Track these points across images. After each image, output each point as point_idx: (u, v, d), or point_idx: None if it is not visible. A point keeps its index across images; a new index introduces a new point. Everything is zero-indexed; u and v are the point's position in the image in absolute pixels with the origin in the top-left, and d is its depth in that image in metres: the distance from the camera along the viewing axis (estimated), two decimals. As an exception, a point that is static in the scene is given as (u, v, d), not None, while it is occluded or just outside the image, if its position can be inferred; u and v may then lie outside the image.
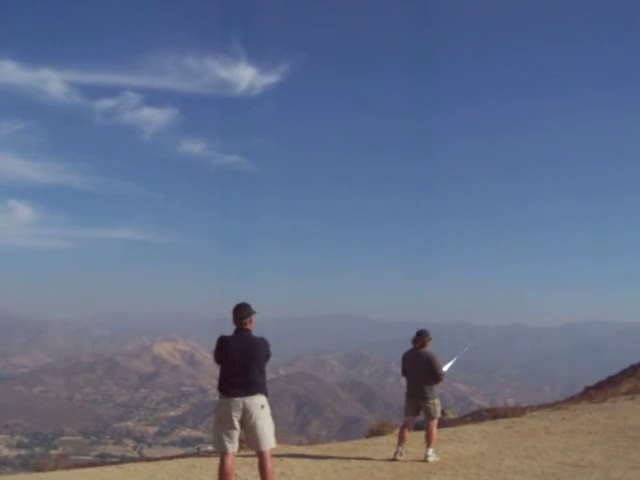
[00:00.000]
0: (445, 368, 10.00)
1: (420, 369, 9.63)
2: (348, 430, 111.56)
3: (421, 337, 9.82)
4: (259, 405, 6.75)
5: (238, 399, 6.69)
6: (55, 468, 11.53)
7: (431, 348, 9.87)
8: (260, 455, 6.77)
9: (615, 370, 25.56)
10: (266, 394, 6.92)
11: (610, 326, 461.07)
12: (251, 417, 6.68)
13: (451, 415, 24.39)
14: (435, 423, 9.66)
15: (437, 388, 9.78)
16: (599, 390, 19.93)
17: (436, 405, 9.67)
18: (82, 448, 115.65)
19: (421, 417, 10.13)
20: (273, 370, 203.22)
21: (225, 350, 6.89)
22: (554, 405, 17.86)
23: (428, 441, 9.57)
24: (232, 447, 6.74)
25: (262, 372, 6.94)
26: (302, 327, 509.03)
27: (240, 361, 6.79)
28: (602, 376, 25.09)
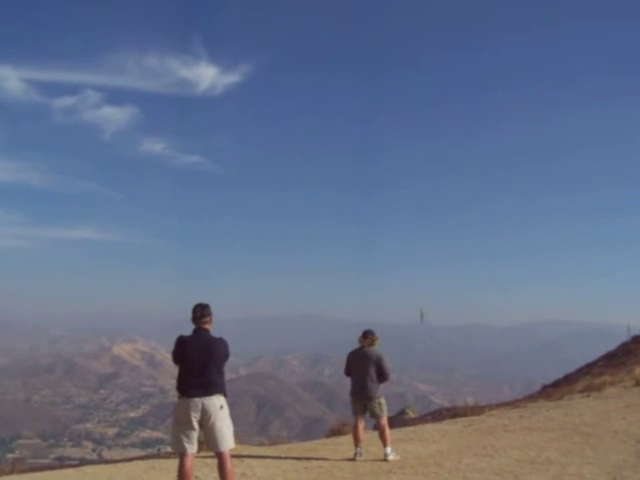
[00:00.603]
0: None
1: (368, 368, 9.62)
2: (309, 430, 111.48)
3: (370, 336, 9.85)
4: (218, 405, 6.72)
5: (197, 399, 6.66)
6: (11, 472, 11.30)
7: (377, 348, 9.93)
8: (219, 456, 6.73)
9: (572, 368, 26.00)
10: (225, 394, 6.89)
11: (566, 325, 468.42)
12: (210, 418, 6.65)
13: (411, 414, 24.60)
14: (385, 421, 9.67)
15: (383, 387, 9.83)
16: (556, 388, 20.24)
17: (382, 404, 9.69)
18: (40, 451, 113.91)
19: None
20: (233, 370, 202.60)
21: (184, 350, 6.86)
22: (512, 403, 18.09)
23: (384, 440, 9.60)
24: (191, 448, 6.70)
25: (221, 372, 6.91)
26: (263, 327, 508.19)
27: (199, 361, 6.76)
28: (559, 374, 25.50)
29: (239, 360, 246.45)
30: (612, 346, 27.72)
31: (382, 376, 9.66)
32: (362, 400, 9.68)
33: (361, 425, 9.73)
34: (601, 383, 17.15)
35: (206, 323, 6.97)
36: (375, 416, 9.67)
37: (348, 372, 10.01)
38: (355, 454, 9.64)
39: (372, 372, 9.60)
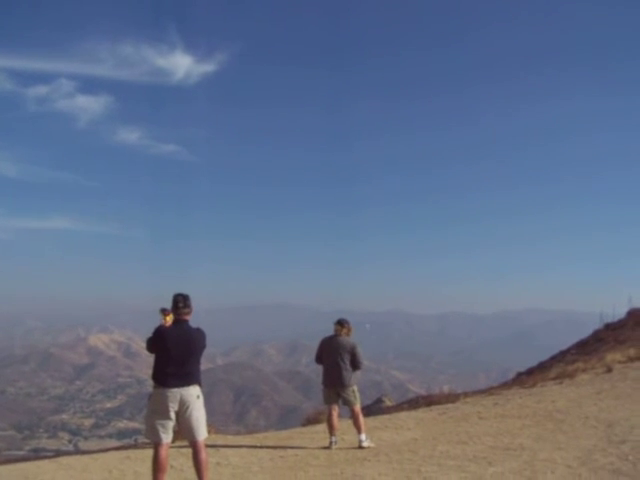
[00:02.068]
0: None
1: (342, 357, 9.65)
2: (286, 419, 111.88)
3: (347, 325, 9.89)
4: (195, 396, 6.77)
5: (175, 390, 6.68)
6: (-14, 463, 11.28)
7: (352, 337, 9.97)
8: (194, 445, 6.77)
9: (546, 356, 26.26)
10: (200, 384, 6.93)
11: (541, 314, 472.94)
12: (188, 408, 6.68)
13: (388, 402, 24.74)
14: (359, 409, 9.74)
15: (355, 375, 9.87)
16: (530, 376, 20.44)
17: (355, 392, 9.73)
18: (15, 443, 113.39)
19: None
20: (210, 360, 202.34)
21: (164, 341, 6.85)
22: (487, 391, 18.24)
23: (358, 428, 9.68)
24: (166, 437, 6.73)
25: (198, 363, 6.95)
26: (240, 317, 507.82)
27: (179, 352, 6.77)
28: (534, 362, 25.75)
29: (216, 350, 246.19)
30: (585, 334, 28.01)
31: (355, 365, 9.71)
32: (336, 388, 9.73)
33: (335, 413, 9.76)
34: (574, 370, 17.34)
35: (186, 314, 6.98)
36: (349, 404, 9.71)
37: (319, 359, 10.04)
38: (330, 443, 9.69)
39: (346, 360, 9.64)
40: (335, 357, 9.70)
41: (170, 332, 6.90)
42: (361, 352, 9.77)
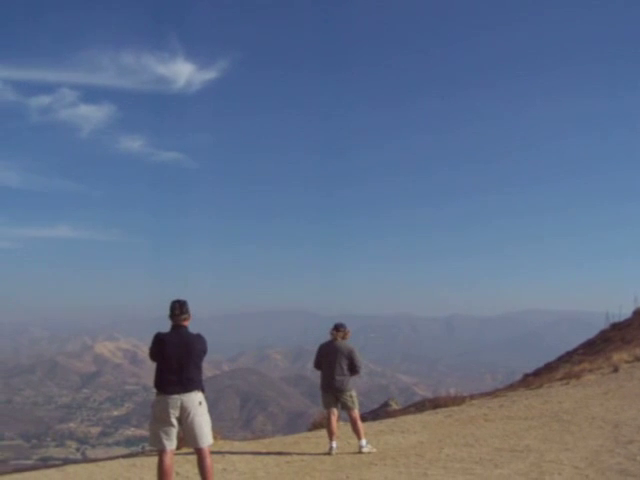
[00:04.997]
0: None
1: (339, 362, 9.60)
2: (293, 424, 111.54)
3: (343, 329, 9.84)
4: (197, 402, 6.73)
5: (176, 396, 6.66)
6: (-7, 473, 11.25)
7: (350, 341, 9.91)
8: (199, 452, 6.74)
9: (553, 357, 26.20)
10: (202, 390, 6.90)
11: (547, 314, 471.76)
12: (189, 414, 6.65)
13: (395, 406, 24.65)
14: (357, 414, 9.68)
15: (353, 380, 9.80)
16: (537, 377, 20.38)
17: (353, 397, 9.68)
18: (23, 452, 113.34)
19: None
20: (217, 366, 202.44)
21: (162, 347, 6.83)
22: (493, 393, 18.20)
23: (357, 433, 9.62)
24: (170, 445, 6.70)
25: (199, 368, 6.90)
26: (245, 323, 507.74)
27: (177, 358, 6.75)
28: (541, 363, 25.69)
29: (222, 356, 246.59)
30: (592, 334, 27.95)
31: (353, 369, 9.66)
32: (334, 393, 9.67)
33: (334, 418, 9.69)
34: (580, 370, 17.30)
35: (184, 320, 6.96)
36: (347, 408, 9.66)
37: (318, 365, 9.99)
38: (330, 448, 9.58)
39: (344, 365, 9.59)
40: (332, 362, 9.65)
41: (168, 338, 6.89)
42: (359, 356, 9.73)
